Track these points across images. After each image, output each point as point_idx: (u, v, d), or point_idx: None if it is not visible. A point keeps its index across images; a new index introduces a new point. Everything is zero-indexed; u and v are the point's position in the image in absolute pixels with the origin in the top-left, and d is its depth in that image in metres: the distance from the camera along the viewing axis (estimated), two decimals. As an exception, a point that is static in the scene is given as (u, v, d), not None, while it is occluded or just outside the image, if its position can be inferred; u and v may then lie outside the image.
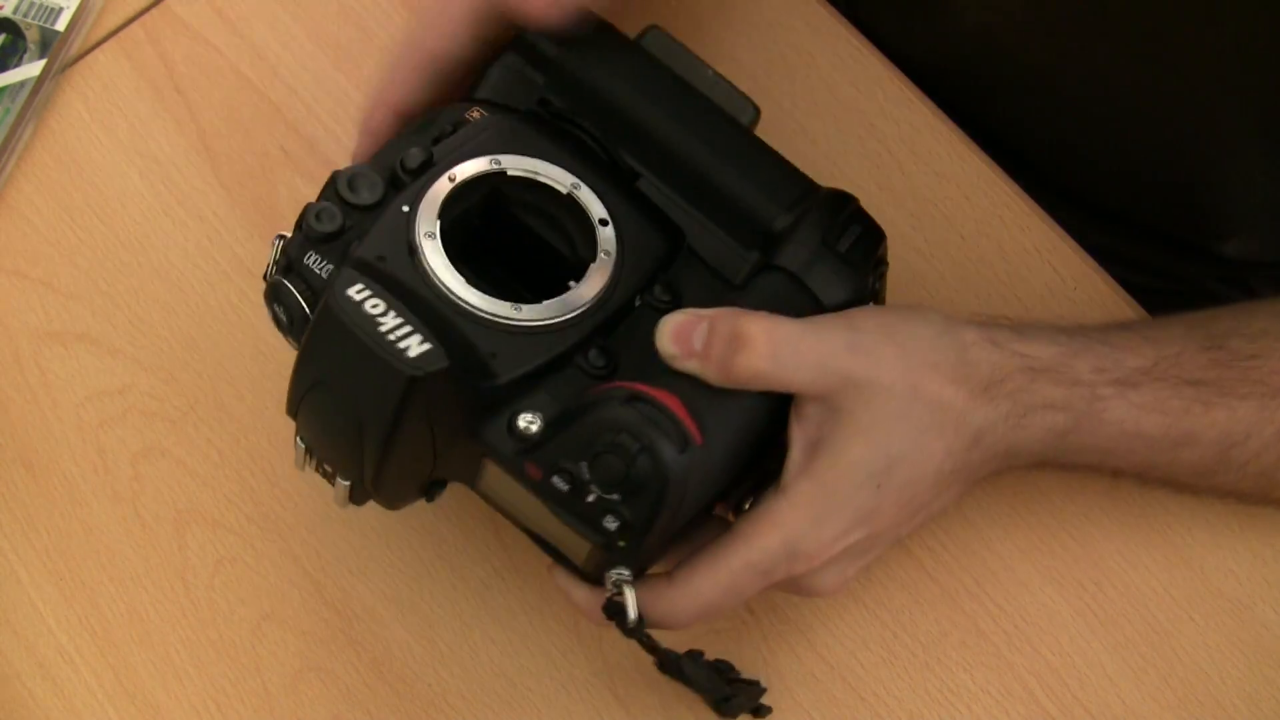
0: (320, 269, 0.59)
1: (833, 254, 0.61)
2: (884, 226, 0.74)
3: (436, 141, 0.62)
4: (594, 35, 0.65)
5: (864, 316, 0.61)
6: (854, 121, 0.77)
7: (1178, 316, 0.66)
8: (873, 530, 0.60)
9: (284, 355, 0.60)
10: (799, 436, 0.60)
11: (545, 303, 0.58)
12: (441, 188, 0.59)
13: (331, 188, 0.59)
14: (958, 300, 0.73)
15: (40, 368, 0.76)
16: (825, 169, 0.76)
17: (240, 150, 0.79)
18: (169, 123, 0.80)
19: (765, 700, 0.65)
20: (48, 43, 0.82)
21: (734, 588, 0.59)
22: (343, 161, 0.78)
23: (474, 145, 0.61)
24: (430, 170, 0.60)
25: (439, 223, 0.58)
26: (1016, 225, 0.74)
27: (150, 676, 0.70)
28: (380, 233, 0.58)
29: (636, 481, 0.55)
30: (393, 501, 0.63)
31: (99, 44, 0.82)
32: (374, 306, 0.53)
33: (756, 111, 0.66)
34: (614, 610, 0.59)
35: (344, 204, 0.59)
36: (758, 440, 0.59)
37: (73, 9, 0.82)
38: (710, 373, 0.58)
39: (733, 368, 0.58)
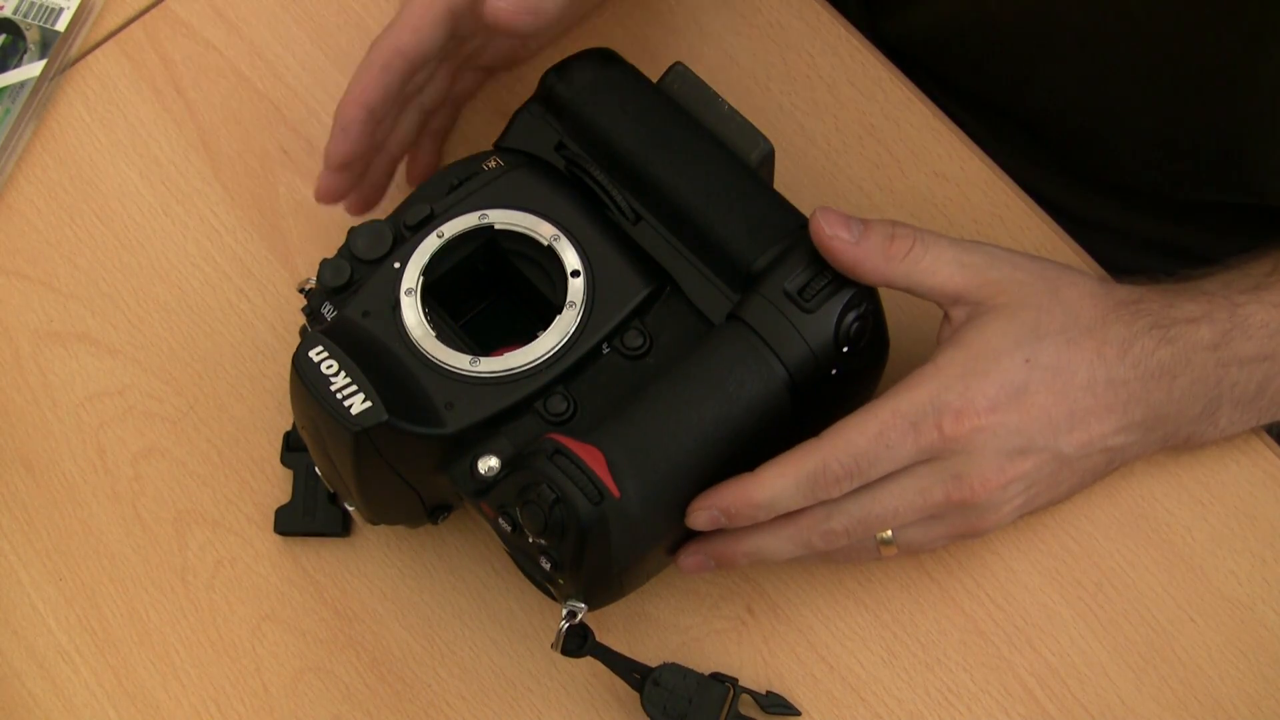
0: (330, 318, 0.64)
1: (794, 304, 0.61)
2: (884, 227, 0.74)
3: (453, 189, 0.66)
4: (614, 79, 0.67)
5: (997, 245, 0.65)
6: (854, 121, 0.77)
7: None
8: (1027, 417, 0.61)
9: (284, 355, 0.60)
10: (946, 332, 0.63)
11: (505, 354, 0.62)
12: (430, 244, 0.64)
13: (346, 242, 0.65)
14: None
15: (40, 368, 0.76)
16: (825, 169, 0.76)
17: (240, 150, 0.79)
18: (169, 123, 0.80)
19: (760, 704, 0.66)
20: (48, 43, 0.82)
21: (882, 435, 0.60)
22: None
23: (470, 200, 0.65)
24: (428, 225, 0.64)
25: (421, 279, 0.63)
26: (1016, 225, 0.74)
27: (150, 676, 0.70)
28: (371, 289, 0.64)
29: (556, 529, 0.58)
30: (398, 524, 0.69)
31: (99, 44, 0.82)
32: (328, 367, 0.59)
33: (769, 147, 0.66)
34: (569, 636, 0.63)
35: (353, 258, 0.64)
36: (695, 487, 0.61)
37: (73, 9, 0.82)
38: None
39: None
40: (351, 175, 0.70)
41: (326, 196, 0.70)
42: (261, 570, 0.71)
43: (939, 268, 0.63)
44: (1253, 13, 0.69)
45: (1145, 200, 0.84)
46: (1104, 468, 0.66)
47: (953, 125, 0.77)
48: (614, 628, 0.68)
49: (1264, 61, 0.71)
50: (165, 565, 0.72)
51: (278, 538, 0.71)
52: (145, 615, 0.71)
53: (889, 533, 0.63)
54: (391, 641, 0.69)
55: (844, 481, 0.60)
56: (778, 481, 0.60)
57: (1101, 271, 0.72)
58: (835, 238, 0.61)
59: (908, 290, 0.63)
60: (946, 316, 0.64)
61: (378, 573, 0.71)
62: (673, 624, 0.68)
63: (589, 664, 0.66)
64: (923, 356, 0.64)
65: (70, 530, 0.72)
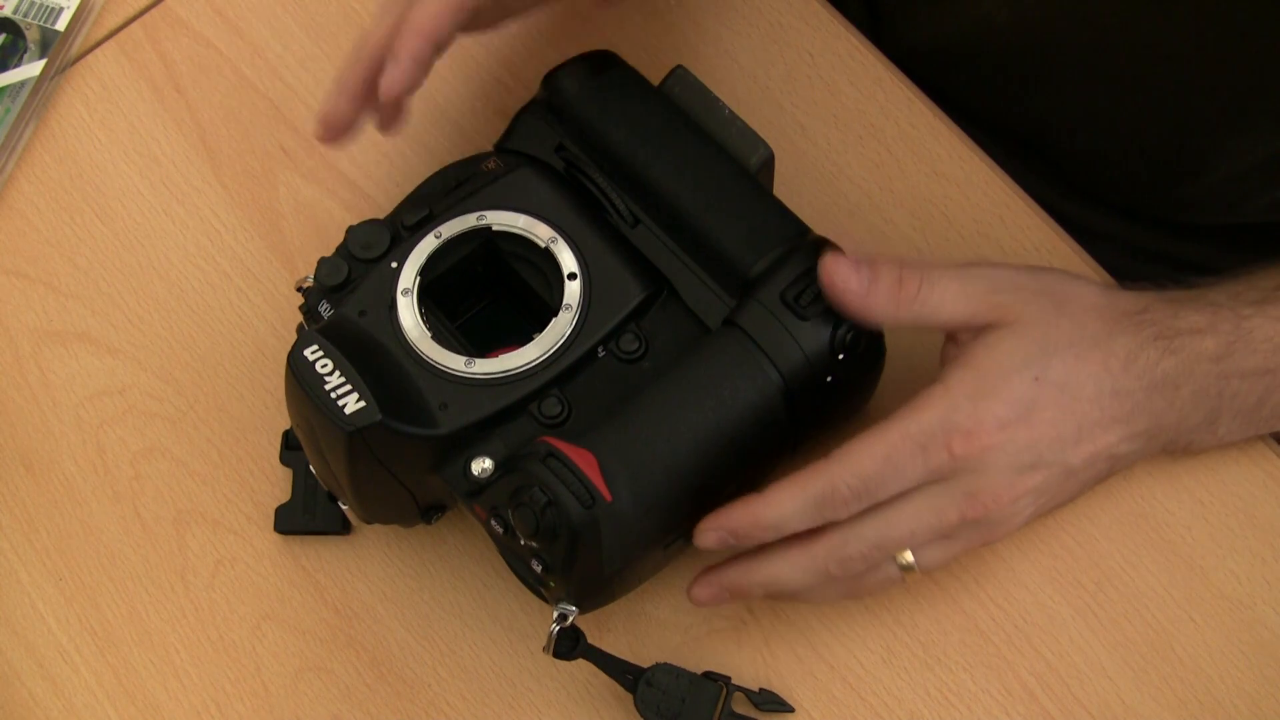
0: (327, 316, 0.64)
1: (790, 311, 0.61)
2: (884, 227, 0.75)
3: (451, 190, 0.66)
4: (615, 82, 0.67)
5: (999, 264, 0.65)
6: (854, 121, 0.77)
7: None
8: (1036, 434, 0.61)
9: (283, 354, 0.60)
10: (951, 351, 0.63)
11: (501, 356, 0.61)
12: (427, 245, 0.64)
13: (345, 241, 0.64)
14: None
15: (40, 368, 0.76)
16: (825, 169, 0.76)
17: (240, 150, 0.79)
18: (169, 123, 0.80)
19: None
20: (48, 43, 0.82)
21: (891, 457, 0.60)
22: (342, 161, 0.79)
23: (469, 201, 0.65)
24: (426, 225, 0.64)
25: (418, 279, 0.63)
26: (1016, 225, 0.74)
27: (150, 676, 0.70)
28: (368, 288, 0.63)
29: (548, 532, 0.58)
30: (392, 523, 0.69)
31: (99, 44, 0.83)
32: (323, 366, 0.59)
33: (769, 152, 0.66)
34: (561, 638, 0.63)
35: (351, 257, 0.64)
36: (688, 493, 0.61)
37: (73, 9, 0.82)
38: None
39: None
40: (366, 103, 0.65)
41: (342, 127, 0.65)
42: (261, 570, 0.71)
43: (944, 303, 0.63)
44: (1259, 37, 0.69)
45: (1150, 217, 0.84)
46: (1106, 474, 0.66)
47: (953, 125, 0.77)
48: (614, 627, 0.68)
49: (1274, 85, 0.71)
50: (165, 565, 0.72)
51: (278, 537, 0.71)
52: (145, 615, 0.71)
53: (910, 557, 0.63)
54: (391, 641, 0.69)
55: (852, 503, 0.60)
56: (786, 502, 0.60)
57: (1106, 276, 0.72)
58: (847, 291, 0.61)
59: (915, 327, 0.63)
60: (951, 341, 0.64)
61: (378, 572, 0.71)
62: (672, 623, 0.68)
63: (589, 664, 0.66)
64: (919, 364, 0.64)
65: (70, 530, 0.72)
